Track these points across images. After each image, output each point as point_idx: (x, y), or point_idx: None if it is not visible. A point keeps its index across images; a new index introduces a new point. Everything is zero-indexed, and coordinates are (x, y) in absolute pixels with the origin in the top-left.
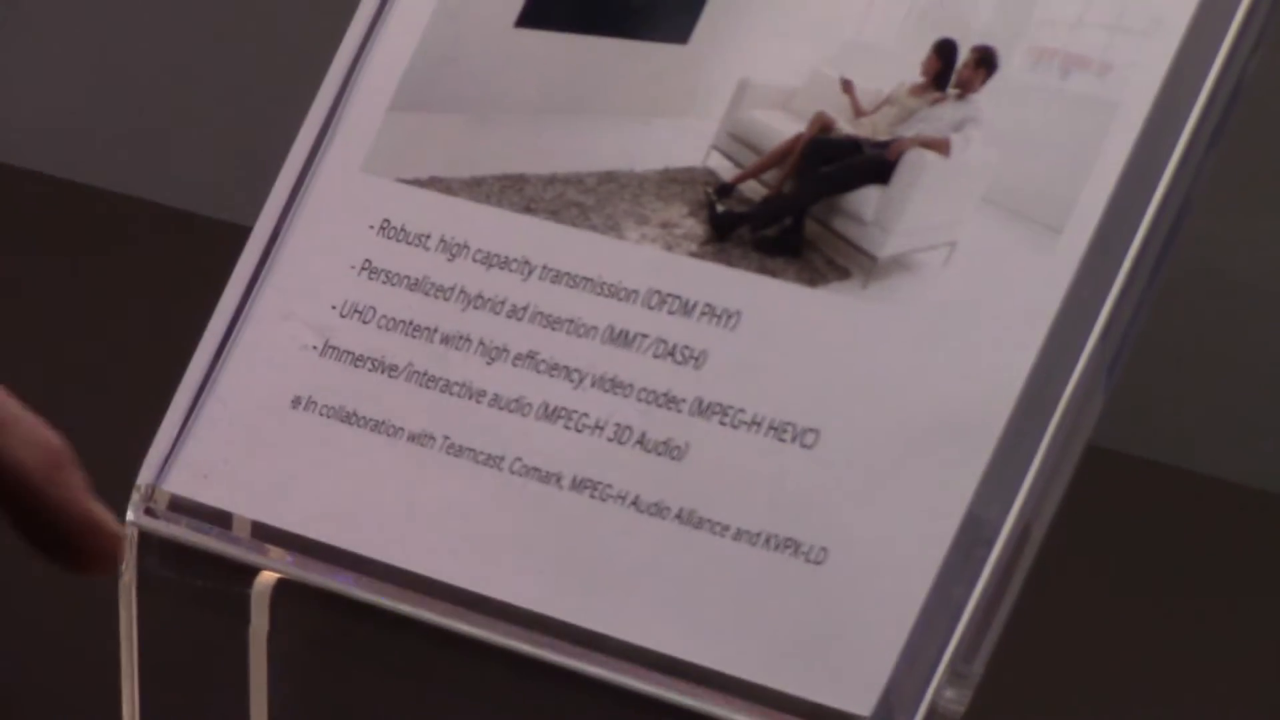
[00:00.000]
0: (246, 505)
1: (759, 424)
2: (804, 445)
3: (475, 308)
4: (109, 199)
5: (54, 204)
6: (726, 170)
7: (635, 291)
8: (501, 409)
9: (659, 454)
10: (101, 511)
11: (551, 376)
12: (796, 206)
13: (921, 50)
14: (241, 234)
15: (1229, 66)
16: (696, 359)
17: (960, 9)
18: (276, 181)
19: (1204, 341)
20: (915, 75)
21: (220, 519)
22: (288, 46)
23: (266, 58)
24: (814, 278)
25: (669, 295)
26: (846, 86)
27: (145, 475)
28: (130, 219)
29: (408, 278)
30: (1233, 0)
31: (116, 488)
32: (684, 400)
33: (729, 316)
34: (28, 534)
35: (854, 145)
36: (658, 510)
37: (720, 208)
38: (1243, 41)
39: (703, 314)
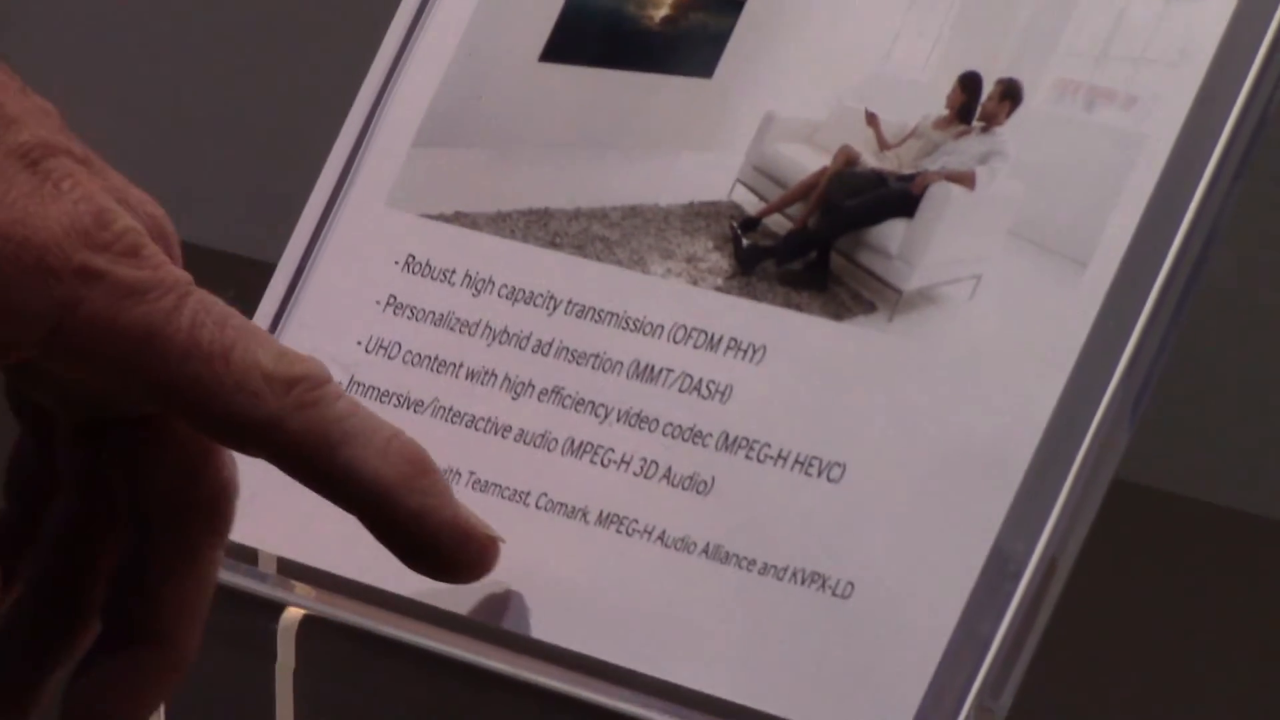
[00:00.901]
0: (273, 542)
1: (785, 458)
2: (830, 479)
3: (500, 343)
4: None
5: None
6: (751, 204)
7: (661, 326)
8: (527, 444)
9: (685, 489)
10: (470, 516)
11: (577, 412)
12: (821, 240)
13: (947, 83)
14: (264, 270)
15: (1254, 97)
16: (722, 393)
17: (985, 42)
18: (301, 217)
19: (1233, 374)
20: (940, 108)
21: (247, 555)
22: (312, 81)
23: (290, 92)
24: (839, 311)
25: (694, 330)
26: (871, 120)
27: None
28: None
29: (433, 313)
30: (1258, 31)
31: None
32: (710, 435)
33: (754, 351)
34: (394, 546)
35: (879, 179)
36: (684, 545)
37: (745, 242)
38: (1268, 72)
39: (728, 348)
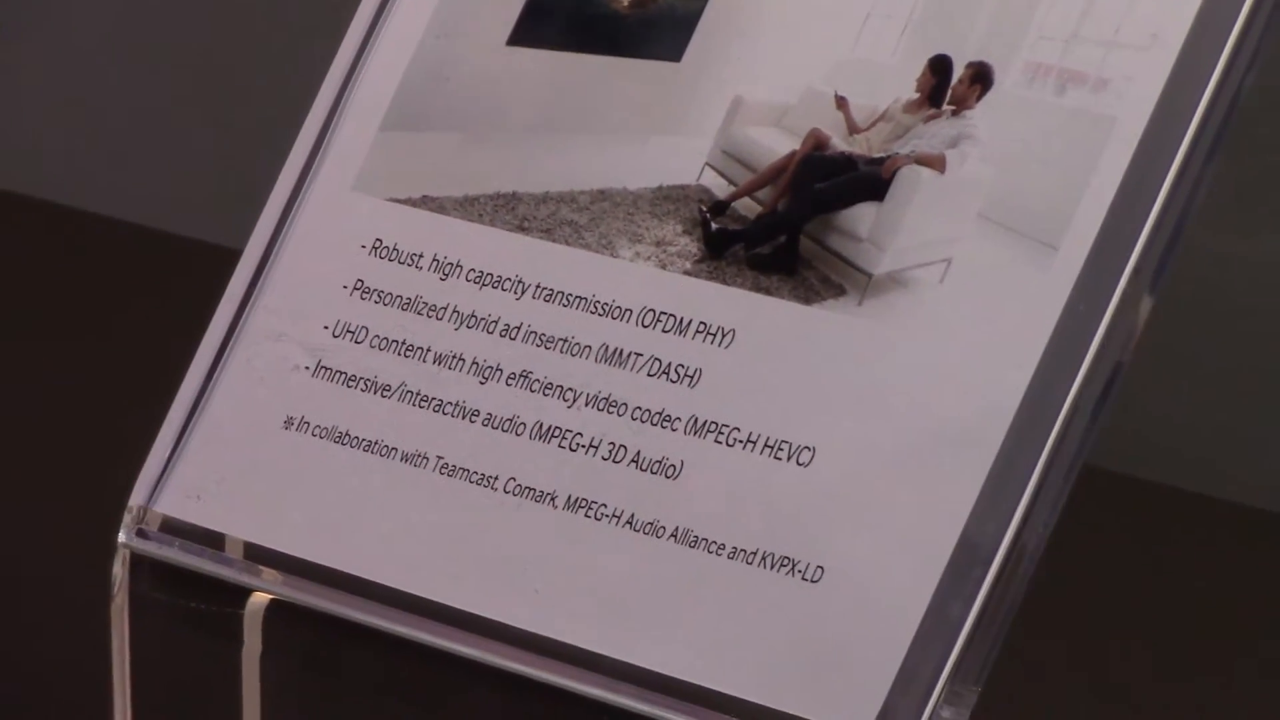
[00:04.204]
0: (239, 526)
1: (754, 442)
2: (799, 463)
3: (468, 327)
4: (93, 220)
5: (36, 226)
6: (720, 188)
7: (629, 310)
8: (495, 428)
9: (654, 473)
10: None
11: (545, 395)
12: (791, 224)
13: (917, 66)
14: (229, 255)
15: (1226, 81)
16: (691, 377)
17: (956, 25)
18: (268, 202)
19: (1203, 360)
20: (910, 91)
21: (213, 540)
22: (278, 64)
23: (255, 76)
24: (809, 295)
25: (663, 313)
26: (841, 103)
27: (137, 497)
28: (113, 240)
29: (400, 297)
30: (1229, 15)
31: (108, 509)
32: (679, 419)
33: (723, 335)
34: None
35: (848, 162)
36: (652, 529)
37: (714, 225)
38: (1239, 56)
39: (697, 332)
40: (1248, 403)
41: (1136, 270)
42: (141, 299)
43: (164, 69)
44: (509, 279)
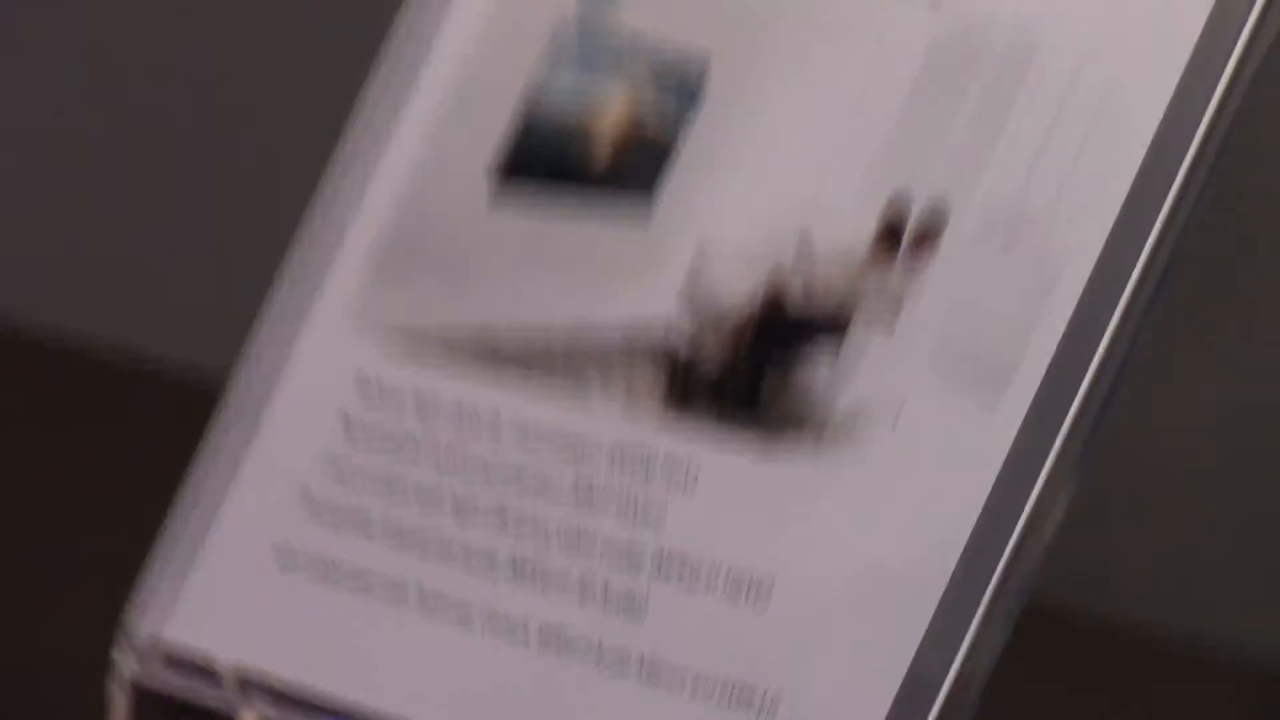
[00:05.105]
0: (232, 655)
1: (716, 576)
2: (758, 598)
3: (449, 463)
4: (82, 349)
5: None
6: (688, 328)
7: (599, 446)
8: (472, 565)
9: (621, 609)
10: None
11: (518, 534)
12: (753, 371)
13: (875, 211)
14: (214, 378)
15: (1167, 231)
16: (658, 518)
17: (912, 171)
18: (259, 334)
19: (1146, 498)
20: (868, 237)
21: (205, 669)
22: (267, 189)
23: (243, 207)
24: (768, 437)
25: (631, 455)
26: (801, 248)
27: (131, 624)
28: (101, 369)
29: (383, 433)
30: (1171, 170)
31: (101, 636)
32: (645, 554)
33: (687, 474)
34: None
35: (808, 308)
36: (620, 660)
37: (681, 370)
38: (1181, 205)
39: (664, 473)
40: (1193, 539)
41: (1079, 415)
42: (125, 427)
43: (154, 181)
44: (486, 412)
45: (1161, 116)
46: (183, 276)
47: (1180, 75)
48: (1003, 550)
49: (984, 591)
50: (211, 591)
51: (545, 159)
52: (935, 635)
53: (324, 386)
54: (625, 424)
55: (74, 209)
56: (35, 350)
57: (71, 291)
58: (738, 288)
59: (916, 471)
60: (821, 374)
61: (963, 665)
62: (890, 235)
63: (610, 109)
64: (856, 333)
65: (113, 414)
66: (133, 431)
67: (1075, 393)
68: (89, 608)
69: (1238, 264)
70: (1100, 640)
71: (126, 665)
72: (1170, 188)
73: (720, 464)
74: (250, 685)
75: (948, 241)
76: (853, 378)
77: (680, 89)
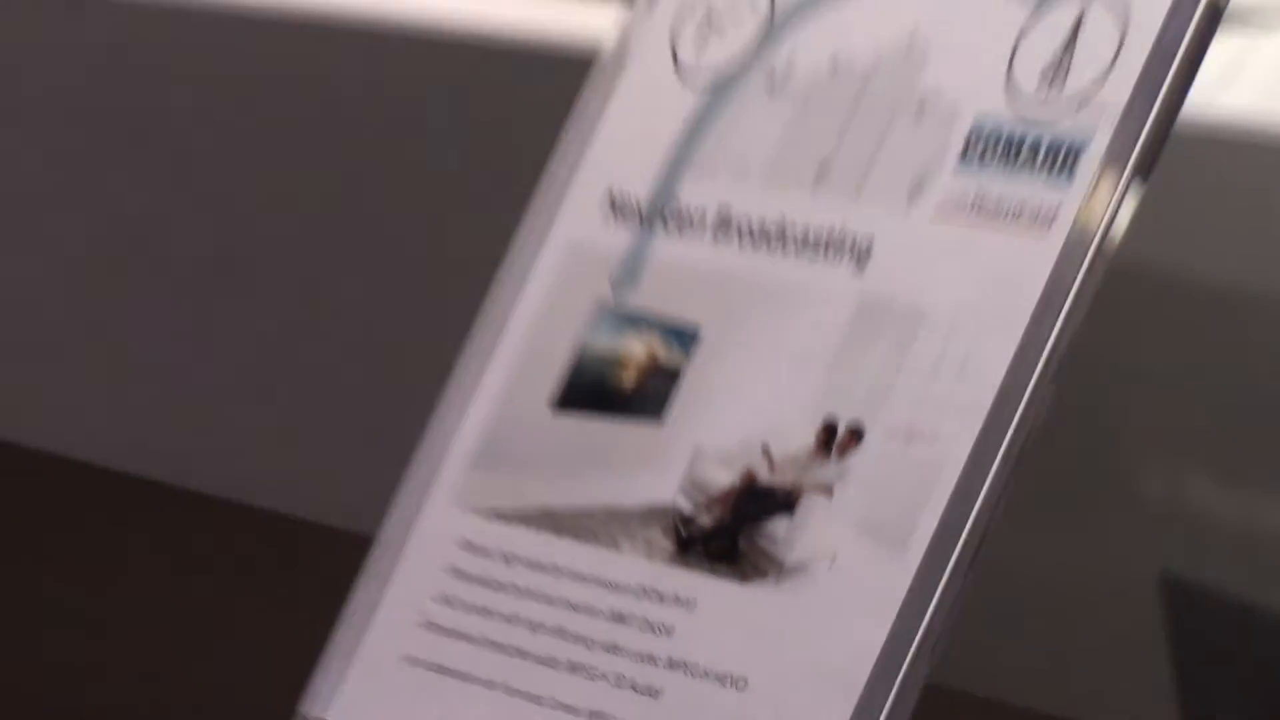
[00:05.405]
0: None
1: (709, 674)
2: (738, 689)
3: (525, 597)
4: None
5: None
6: (687, 505)
7: (628, 586)
8: (542, 664)
9: (645, 695)
10: None
11: (573, 644)
12: (733, 531)
13: (814, 428)
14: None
15: (1015, 440)
16: (669, 632)
17: (839, 401)
18: (393, 511)
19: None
20: (809, 444)
21: None
22: (400, 413)
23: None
24: (744, 577)
25: (650, 589)
26: (765, 450)
27: (304, 708)
28: (265, 528)
29: (480, 578)
30: (1015, 401)
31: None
32: (660, 659)
33: (689, 603)
34: None
35: (769, 491)
36: None
37: (683, 531)
38: (1024, 424)
39: (673, 602)
40: (1095, 625)
41: (958, 562)
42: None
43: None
44: (548, 565)
45: (1008, 366)
46: (334, 450)
47: (1020, 338)
48: (908, 650)
49: (891, 688)
50: (360, 684)
51: (589, 389)
52: (862, 711)
53: (439, 547)
54: (645, 569)
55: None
56: (230, 514)
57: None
58: (720, 478)
59: (848, 598)
60: (780, 533)
61: None
62: (825, 443)
63: (634, 354)
64: (803, 506)
65: (277, 565)
66: (304, 582)
67: (955, 545)
68: (268, 699)
69: (1075, 468)
70: (981, 711)
71: None
72: (1015, 413)
73: (712, 594)
74: None
75: (864, 446)
76: (801, 535)
77: (682, 341)
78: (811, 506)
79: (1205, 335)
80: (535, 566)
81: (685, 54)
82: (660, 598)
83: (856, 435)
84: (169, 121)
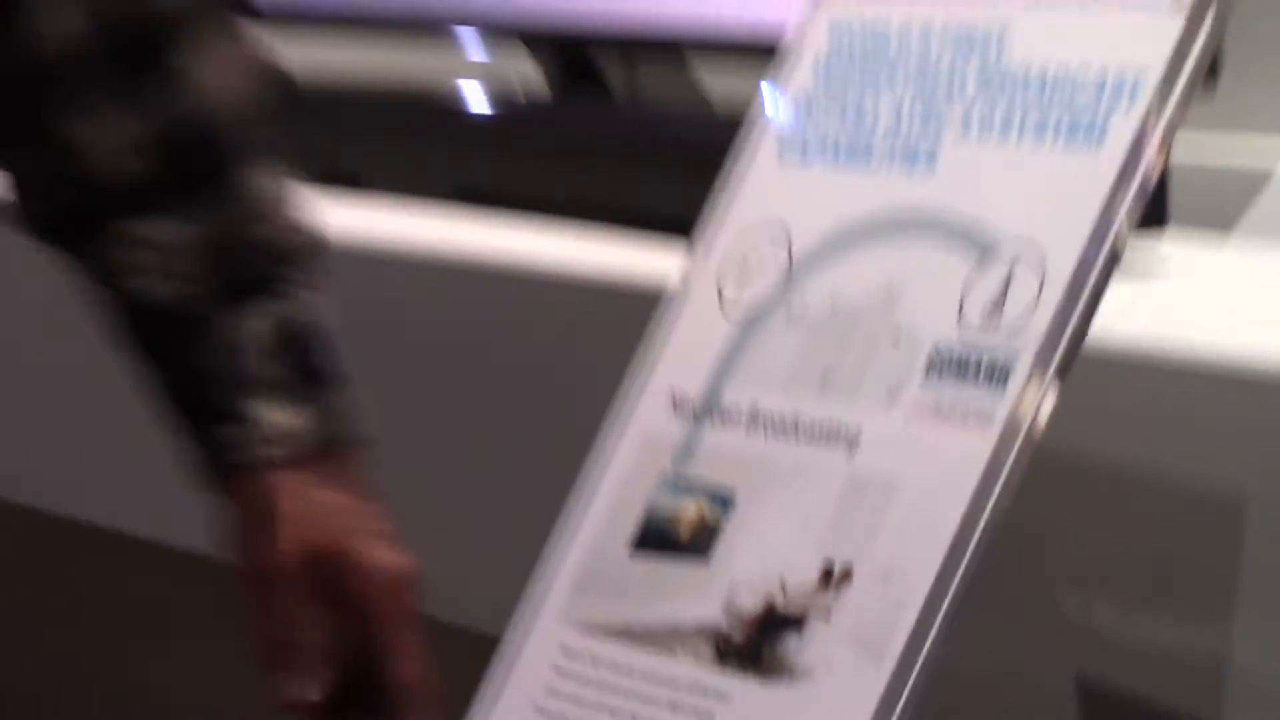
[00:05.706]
0: None
1: None
2: None
3: (607, 687)
4: None
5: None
6: (725, 624)
7: (681, 683)
8: None
9: None
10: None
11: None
12: (758, 645)
13: (816, 569)
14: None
15: (965, 574)
16: (710, 718)
17: (834, 551)
18: (513, 623)
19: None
20: (814, 581)
21: None
22: (514, 546)
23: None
24: (766, 678)
25: (696, 686)
26: (782, 584)
27: None
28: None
29: (576, 676)
30: (962, 553)
31: None
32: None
33: (726, 696)
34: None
35: (785, 616)
36: None
37: (722, 644)
38: (967, 569)
39: (714, 696)
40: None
41: (919, 673)
42: None
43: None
44: (623, 666)
45: (958, 526)
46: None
47: (967, 505)
48: None
49: None
50: None
51: (656, 536)
52: None
53: (546, 653)
54: (694, 671)
55: None
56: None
57: None
58: (749, 604)
59: (840, 696)
60: (792, 646)
61: None
62: (825, 580)
63: (688, 512)
64: (809, 626)
65: None
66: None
67: (919, 657)
68: None
69: (1020, 598)
70: None
71: None
72: (962, 561)
73: (742, 691)
74: None
75: (854, 583)
76: (808, 648)
77: (722, 503)
78: (815, 627)
79: (1111, 498)
80: (614, 668)
81: (729, 292)
82: (704, 692)
83: (848, 575)
84: None
